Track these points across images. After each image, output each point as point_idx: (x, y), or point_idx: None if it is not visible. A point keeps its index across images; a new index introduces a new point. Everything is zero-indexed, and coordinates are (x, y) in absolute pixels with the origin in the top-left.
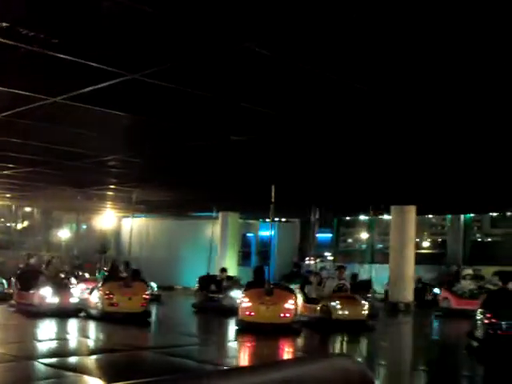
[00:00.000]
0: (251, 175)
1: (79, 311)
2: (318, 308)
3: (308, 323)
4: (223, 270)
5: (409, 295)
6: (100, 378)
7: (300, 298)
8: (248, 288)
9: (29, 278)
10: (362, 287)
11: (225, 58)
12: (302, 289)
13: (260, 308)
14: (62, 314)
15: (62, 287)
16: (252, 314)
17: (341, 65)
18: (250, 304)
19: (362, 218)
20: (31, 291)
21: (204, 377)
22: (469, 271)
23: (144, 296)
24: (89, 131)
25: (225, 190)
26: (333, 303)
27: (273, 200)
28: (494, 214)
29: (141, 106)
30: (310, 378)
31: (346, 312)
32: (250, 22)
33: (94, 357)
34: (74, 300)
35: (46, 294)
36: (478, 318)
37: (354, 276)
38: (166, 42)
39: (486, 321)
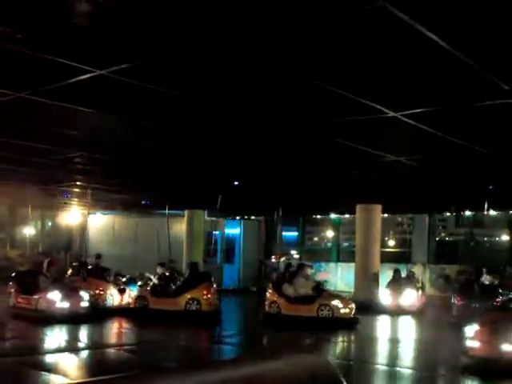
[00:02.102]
0: (216, 175)
1: (90, 316)
2: (316, 307)
3: (303, 323)
4: (161, 264)
5: (374, 293)
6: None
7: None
8: (196, 283)
9: (28, 280)
10: None
11: (191, 57)
12: (278, 287)
13: (213, 298)
14: (73, 319)
15: (71, 290)
16: (211, 303)
17: (321, 65)
18: (209, 296)
19: (329, 216)
20: (36, 295)
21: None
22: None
23: None
24: (55, 127)
25: (190, 189)
26: (334, 302)
27: (218, 206)
28: (459, 214)
29: (108, 102)
30: (274, 375)
31: (347, 310)
32: (216, 21)
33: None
34: (84, 304)
35: (55, 298)
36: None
37: None
38: (133, 39)
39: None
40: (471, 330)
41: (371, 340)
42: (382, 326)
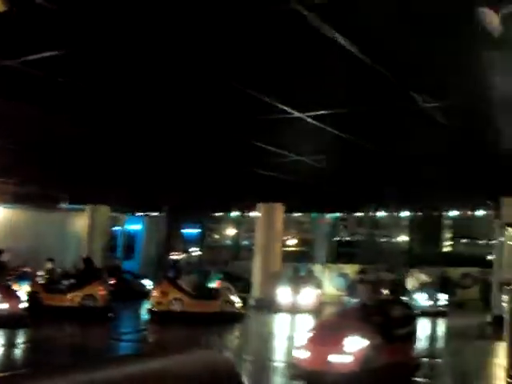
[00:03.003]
0: (118, 170)
1: (27, 318)
2: (220, 303)
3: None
4: (51, 260)
5: (273, 292)
6: None
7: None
8: (91, 278)
9: None
10: None
11: (101, 50)
12: (176, 283)
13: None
14: (12, 322)
15: (8, 290)
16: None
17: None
18: (104, 292)
19: (230, 214)
20: None
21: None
22: None
23: None
24: None
25: (91, 184)
26: (232, 298)
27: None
28: (360, 214)
29: (15, 93)
30: (174, 371)
31: (241, 304)
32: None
33: None
34: (22, 305)
35: None
36: None
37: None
38: (41, 30)
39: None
40: (301, 338)
41: (258, 336)
42: (276, 323)
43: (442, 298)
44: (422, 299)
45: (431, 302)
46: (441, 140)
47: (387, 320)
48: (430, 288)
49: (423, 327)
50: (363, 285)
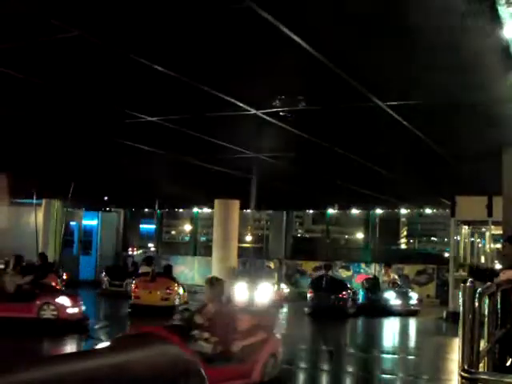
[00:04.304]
0: (69, 164)
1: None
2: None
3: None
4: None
5: (230, 288)
6: None
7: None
8: (45, 273)
9: None
10: None
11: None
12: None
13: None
14: (76, 327)
15: (72, 295)
16: None
17: None
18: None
19: (186, 210)
20: None
21: None
22: None
23: None
24: None
25: (47, 177)
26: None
27: (70, 195)
28: (317, 212)
29: None
30: (139, 363)
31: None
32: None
33: None
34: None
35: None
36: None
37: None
38: None
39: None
40: None
41: None
42: None
43: (414, 297)
44: (392, 298)
45: (403, 301)
46: (400, 140)
47: (222, 333)
48: (402, 286)
49: (385, 325)
50: (209, 285)
